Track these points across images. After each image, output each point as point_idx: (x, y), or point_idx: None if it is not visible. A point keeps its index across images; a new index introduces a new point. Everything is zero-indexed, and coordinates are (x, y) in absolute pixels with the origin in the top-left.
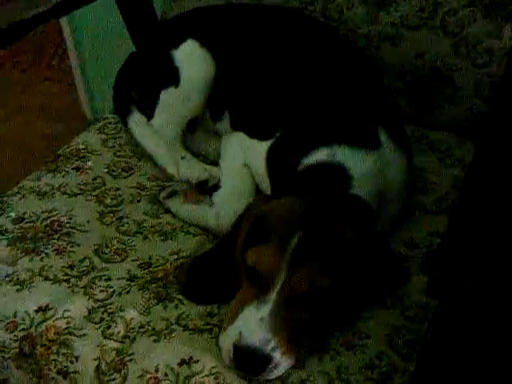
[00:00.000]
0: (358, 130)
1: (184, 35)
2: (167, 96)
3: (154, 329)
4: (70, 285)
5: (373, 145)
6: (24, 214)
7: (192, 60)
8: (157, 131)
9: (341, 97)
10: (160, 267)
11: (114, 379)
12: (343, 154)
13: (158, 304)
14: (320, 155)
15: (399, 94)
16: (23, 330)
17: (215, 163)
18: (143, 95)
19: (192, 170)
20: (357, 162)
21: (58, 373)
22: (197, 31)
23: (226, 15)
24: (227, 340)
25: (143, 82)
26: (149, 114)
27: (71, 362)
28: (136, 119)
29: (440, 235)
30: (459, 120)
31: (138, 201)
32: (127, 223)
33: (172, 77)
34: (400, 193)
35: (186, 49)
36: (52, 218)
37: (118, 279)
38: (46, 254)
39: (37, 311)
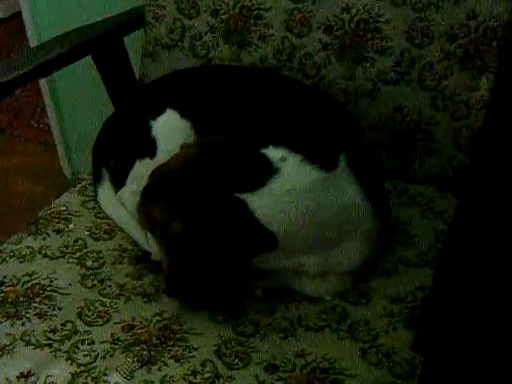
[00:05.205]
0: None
1: (163, 105)
2: (142, 167)
3: None
4: (53, 349)
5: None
6: (4, 277)
7: (170, 132)
8: (123, 202)
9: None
10: (143, 329)
11: None
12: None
13: (141, 367)
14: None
15: (379, 148)
16: None
17: None
18: (119, 163)
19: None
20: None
21: None
22: (176, 100)
23: (205, 80)
24: None
25: (120, 149)
26: (121, 183)
27: None
28: (105, 190)
29: (424, 289)
30: (439, 173)
31: (120, 263)
32: (109, 286)
33: (149, 148)
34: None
35: (164, 120)
36: (33, 282)
37: (101, 342)
38: (27, 318)
39: (18, 378)
